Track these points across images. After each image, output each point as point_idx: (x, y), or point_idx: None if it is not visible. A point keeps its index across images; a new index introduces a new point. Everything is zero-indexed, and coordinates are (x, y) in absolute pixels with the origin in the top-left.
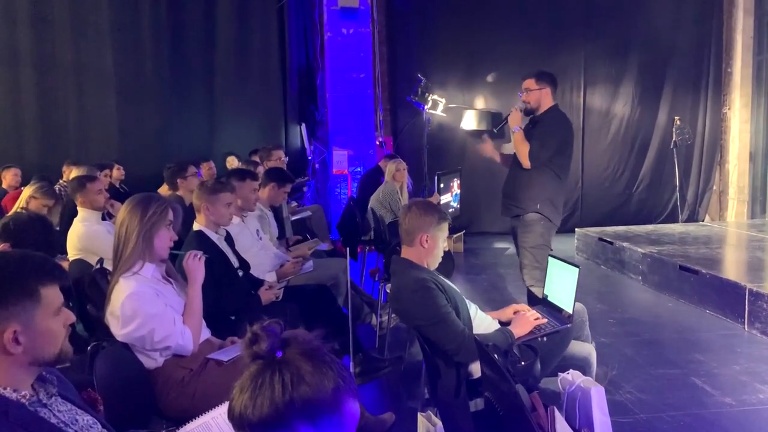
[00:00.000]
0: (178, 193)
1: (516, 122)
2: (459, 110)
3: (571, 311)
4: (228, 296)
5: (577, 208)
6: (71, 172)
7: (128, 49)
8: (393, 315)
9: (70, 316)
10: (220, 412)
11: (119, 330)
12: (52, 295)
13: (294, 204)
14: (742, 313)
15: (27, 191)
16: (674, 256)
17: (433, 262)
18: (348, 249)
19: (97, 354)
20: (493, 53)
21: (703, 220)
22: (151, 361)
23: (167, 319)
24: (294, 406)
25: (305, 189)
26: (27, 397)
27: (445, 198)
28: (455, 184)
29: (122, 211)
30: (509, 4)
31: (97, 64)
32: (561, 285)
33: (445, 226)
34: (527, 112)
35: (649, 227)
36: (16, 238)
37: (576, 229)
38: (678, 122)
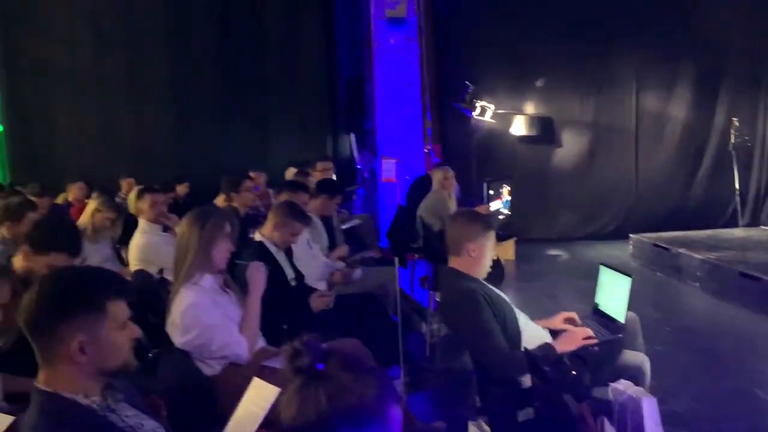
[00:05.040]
0: (233, 204)
1: None
2: (508, 116)
3: (623, 321)
4: (281, 306)
5: (631, 213)
6: (129, 186)
7: (184, 65)
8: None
9: (136, 331)
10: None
11: (179, 338)
12: (118, 309)
13: (344, 212)
14: None
15: (92, 205)
16: (734, 263)
17: (482, 271)
18: (397, 257)
19: (157, 361)
20: (541, 58)
21: (765, 225)
22: (209, 368)
23: (225, 328)
24: (339, 415)
25: (354, 197)
26: (97, 403)
27: (495, 205)
28: (505, 190)
29: (183, 224)
30: (556, 9)
31: (155, 80)
32: (613, 294)
33: (491, 235)
34: None
35: (708, 232)
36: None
37: (630, 235)
38: (736, 123)
